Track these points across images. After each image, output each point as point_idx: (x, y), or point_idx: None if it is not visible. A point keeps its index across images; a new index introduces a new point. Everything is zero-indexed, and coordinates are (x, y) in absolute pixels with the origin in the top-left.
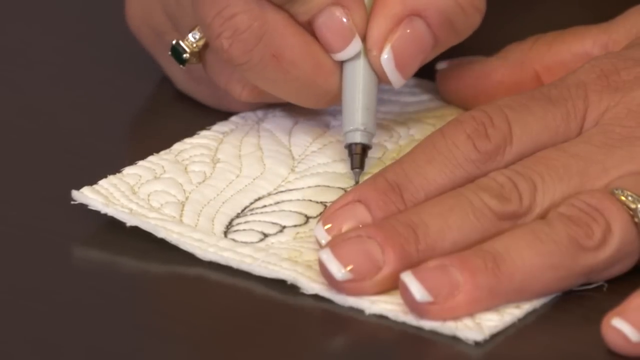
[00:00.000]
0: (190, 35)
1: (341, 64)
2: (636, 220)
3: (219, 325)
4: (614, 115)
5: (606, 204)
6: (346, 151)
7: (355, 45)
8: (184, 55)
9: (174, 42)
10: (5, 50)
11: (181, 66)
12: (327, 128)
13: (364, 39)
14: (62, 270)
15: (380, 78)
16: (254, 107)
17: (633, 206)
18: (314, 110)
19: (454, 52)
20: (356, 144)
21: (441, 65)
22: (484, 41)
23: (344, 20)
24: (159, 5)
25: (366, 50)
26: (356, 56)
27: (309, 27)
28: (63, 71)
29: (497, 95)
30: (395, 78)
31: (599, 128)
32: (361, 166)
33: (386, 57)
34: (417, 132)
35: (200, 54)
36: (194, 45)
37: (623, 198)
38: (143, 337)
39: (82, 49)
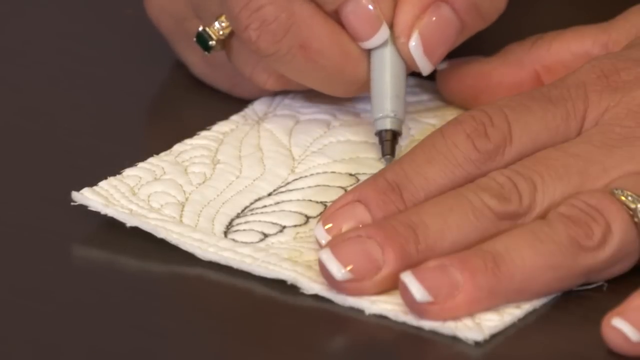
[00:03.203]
0: (216, 23)
1: (369, 52)
2: (636, 220)
3: (219, 325)
4: (614, 115)
5: (606, 203)
6: (345, 151)
7: (383, 33)
8: (210, 43)
9: (200, 29)
10: (5, 50)
11: (206, 53)
12: (327, 128)
13: (391, 26)
14: (62, 270)
15: (409, 65)
16: (265, 93)
17: (633, 206)
18: (314, 110)
19: (455, 53)
20: (386, 130)
21: (441, 66)
22: (484, 41)
23: (371, 8)
24: None
25: (394, 38)
26: (384, 44)
27: (336, 16)
28: (63, 71)
29: (497, 95)
30: (424, 64)
31: (598, 128)
32: (392, 153)
33: (414, 44)
34: (417, 132)
35: (225, 41)
36: (221, 33)
37: (623, 198)
38: (143, 337)
39: (82, 49)
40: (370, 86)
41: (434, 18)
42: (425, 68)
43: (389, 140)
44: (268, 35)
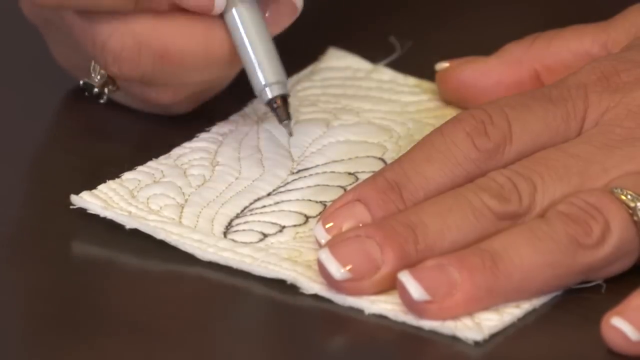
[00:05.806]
0: (91, 67)
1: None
2: (635, 218)
3: (219, 325)
4: (614, 116)
5: (605, 202)
6: (345, 151)
7: None
8: (95, 90)
9: (81, 82)
10: (5, 50)
11: (101, 101)
12: (326, 128)
13: None
14: (62, 270)
15: None
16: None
17: (632, 205)
18: (313, 109)
19: (454, 53)
20: (274, 97)
21: (441, 66)
22: (484, 41)
23: None
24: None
25: None
26: (229, 6)
27: (178, 8)
28: (63, 71)
29: (496, 94)
30: None
31: (598, 129)
32: (288, 116)
33: None
34: (417, 132)
35: (112, 79)
36: (99, 77)
37: (622, 197)
38: (143, 337)
39: None
40: (241, 59)
41: None
42: None
43: (280, 106)
44: (125, 63)
